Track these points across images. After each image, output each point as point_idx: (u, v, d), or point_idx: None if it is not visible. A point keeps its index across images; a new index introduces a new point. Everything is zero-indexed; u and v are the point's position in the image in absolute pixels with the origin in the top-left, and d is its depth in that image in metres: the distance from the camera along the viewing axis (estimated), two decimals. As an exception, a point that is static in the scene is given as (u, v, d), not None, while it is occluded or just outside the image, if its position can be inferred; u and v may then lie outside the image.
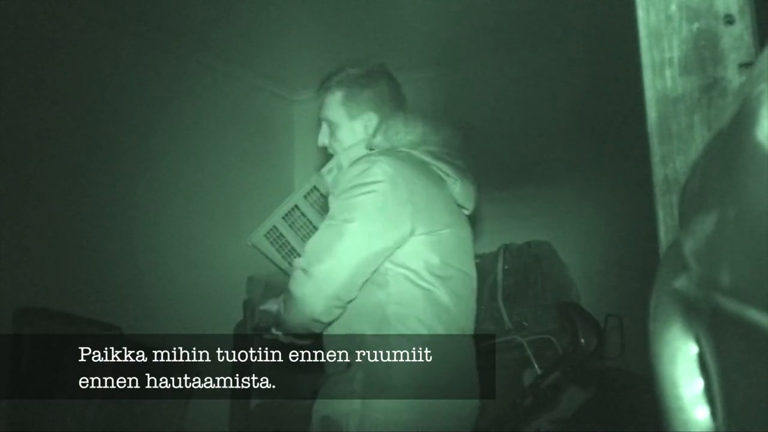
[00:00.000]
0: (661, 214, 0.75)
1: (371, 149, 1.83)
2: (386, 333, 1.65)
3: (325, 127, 1.93)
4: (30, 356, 2.48)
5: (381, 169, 1.67)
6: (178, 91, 3.46)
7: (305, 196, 3.81)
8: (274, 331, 1.83)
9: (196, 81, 3.56)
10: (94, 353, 2.57)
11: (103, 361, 2.59)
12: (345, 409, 1.62)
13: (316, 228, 3.69)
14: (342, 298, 1.65)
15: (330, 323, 1.69)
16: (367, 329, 1.66)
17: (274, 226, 3.79)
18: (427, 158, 1.82)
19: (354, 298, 1.67)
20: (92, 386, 2.55)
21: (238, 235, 3.69)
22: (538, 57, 3.49)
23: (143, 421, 2.75)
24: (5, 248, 2.60)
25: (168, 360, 2.89)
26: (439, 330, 1.70)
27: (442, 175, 1.82)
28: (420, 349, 1.65)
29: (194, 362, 2.99)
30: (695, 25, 0.75)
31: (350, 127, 1.88)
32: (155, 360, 2.84)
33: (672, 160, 0.74)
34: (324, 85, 1.94)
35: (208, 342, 3.30)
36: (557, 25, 3.29)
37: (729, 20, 0.73)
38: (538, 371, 2.54)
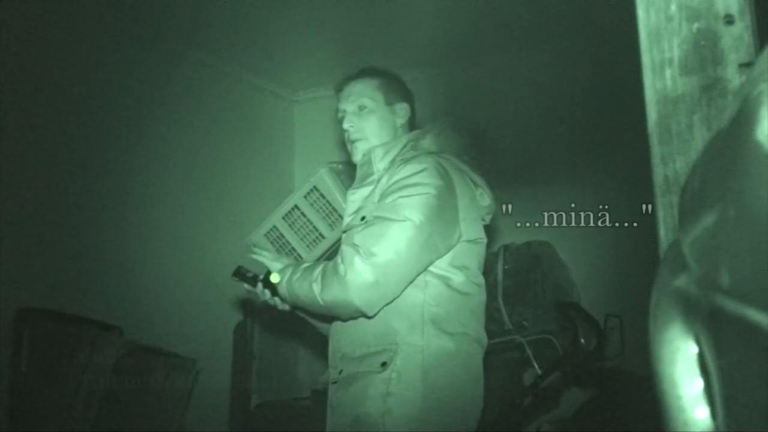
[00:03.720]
0: (661, 214, 0.75)
1: (415, 149, 1.84)
2: (422, 334, 1.65)
3: (351, 110, 1.89)
4: (30, 356, 2.48)
5: (437, 172, 1.69)
6: (179, 91, 3.47)
7: (305, 196, 3.80)
8: (263, 290, 1.82)
9: (197, 81, 3.56)
10: (94, 353, 2.57)
11: (102, 361, 2.59)
12: (380, 408, 1.61)
13: (316, 228, 3.71)
14: (393, 295, 1.65)
15: (370, 317, 1.68)
16: (403, 329, 1.66)
17: (274, 226, 3.79)
18: (465, 167, 1.84)
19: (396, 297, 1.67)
20: (92, 386, 2.55)
21: (238, 235, 3.70)
22: (538, 57, 3.49)
23: (143, 421, 2.75)
24: (5, 248, 2.60)
25: (168, 360, 2.89)
26: (470, 334, 1.72)
27: (472, 186, 1.84)
28: (452, 351, 1.67)
29: (194, 362, 3.00)
30: (695, 25, 0.74)
31: (382, 112, 1.88)
32: (155, 360, 2.84)
33: (672, 160, 0.74)
34: (358, 73, 1.94)
35: (208, 342, 3.31)
36: (557, 25, 3.29)
37: (729, 20, 0.73)
38: (538, 371, 2.54)
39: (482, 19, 3.21)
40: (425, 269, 1.68)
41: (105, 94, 3.10)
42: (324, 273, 1.67)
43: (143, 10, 3.10)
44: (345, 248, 1.66)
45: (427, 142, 1.85)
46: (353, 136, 1.89)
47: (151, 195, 3.26)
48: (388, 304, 1.66)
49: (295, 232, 3.75)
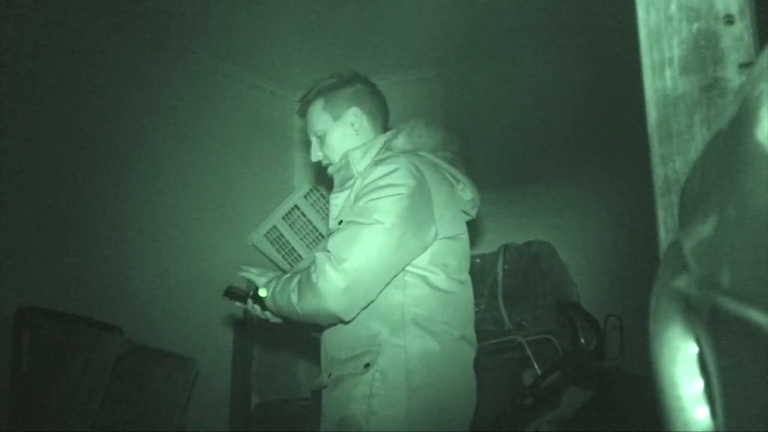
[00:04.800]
0: (661, 214, 0.75)
1: (389, 150, 1.83)
2: (404, 334, 1.66)
3: (315, 141, 1.93)
4: (30, 356, 2.49)
5: (409, 172, 1.68)
6: (179, 91, 3.47)
7: (305, 196, 3.82)
8: (253, 305, 1.83)
9: (196, 81, 3.56)
10: (94, 353, 2.58)
11: (102, 361, 2.59)
12: (364, 410, 1.61)
13: (316, 228, 3.72)
14: (368, 298, 1.66)
15: (347, 322, 1.69)
16: (385, 330, 1.66)
17: (274, 226, 3.80)
18: (442, 163, 1.84)
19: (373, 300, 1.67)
20: (92, 386, 2.55)
21: (238, 235, 3.70)
22: (538, 57, 3.49)
23: (143, 421, 2.75)
24: (5, 248, 2.60)
25: (168, 360, 2.90)
26: (454, 333, 1.72)
27: (452, 181, 1.84)
28: (436, 350, 1.67)
29: (194, 362, 3.00)
30: (695, 25, 0.74)
31: (337, 127, 1.88)
32: (155, 360, 2.84)
33: (672, 160, 0.74)
34: (303, 103, 1.94)
35: (208, 342, 3.31)
36: (557, 25, 3.29)
37: (729, 20, 0.73)
38: (538, 371, 2.54)
39: (481, 19, 3.21)
40: (402, 269, 1.68)
41: (105, 94, 3.10)
42: (300, 283, 1.68)
43: (143, 11, 3.10)
44: (317, 255, 1.67)
45: (400, 142, 1.84)
46: (324, 164, 1.93)
47: (151, 195, 3.26)
48: (366, 307, 1.67)
49: (295, 232, 3.76)
